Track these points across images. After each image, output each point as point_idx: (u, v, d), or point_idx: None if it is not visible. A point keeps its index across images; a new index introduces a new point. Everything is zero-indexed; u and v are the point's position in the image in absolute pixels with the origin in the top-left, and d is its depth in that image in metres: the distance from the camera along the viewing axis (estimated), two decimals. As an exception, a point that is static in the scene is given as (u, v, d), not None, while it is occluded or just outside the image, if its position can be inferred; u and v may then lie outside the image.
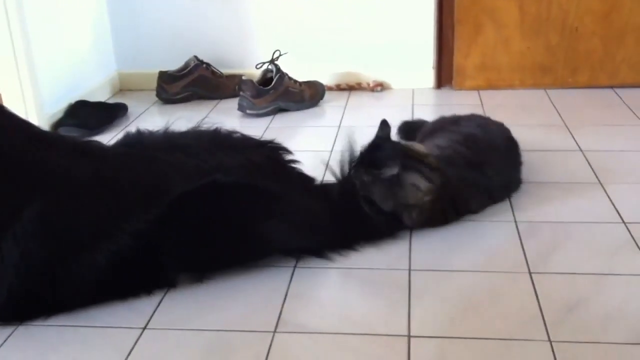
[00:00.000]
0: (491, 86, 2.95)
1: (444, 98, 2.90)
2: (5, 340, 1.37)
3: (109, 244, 1.46)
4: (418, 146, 1.82)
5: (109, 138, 2.39)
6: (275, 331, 1.37)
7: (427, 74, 3.00)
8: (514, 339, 1.32)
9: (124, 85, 3.12)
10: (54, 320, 1.43)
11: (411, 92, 2.94)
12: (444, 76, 3.01)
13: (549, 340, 1.31)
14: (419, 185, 1.68)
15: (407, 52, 2.99)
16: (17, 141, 1.49)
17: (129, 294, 1.50)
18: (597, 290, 1.47)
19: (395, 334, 1.35)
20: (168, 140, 1.79)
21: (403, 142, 1.93)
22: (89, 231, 1.46)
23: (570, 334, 1.32)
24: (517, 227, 1.75)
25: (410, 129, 2.28)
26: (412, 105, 2.80)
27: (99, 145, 1.69)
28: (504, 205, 1.86)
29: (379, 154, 1.73)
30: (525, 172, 2.00)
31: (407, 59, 3.00)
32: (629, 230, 1.71)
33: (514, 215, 1.81)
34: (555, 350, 1.28)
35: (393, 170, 1.67)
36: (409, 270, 1.58)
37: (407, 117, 2.51)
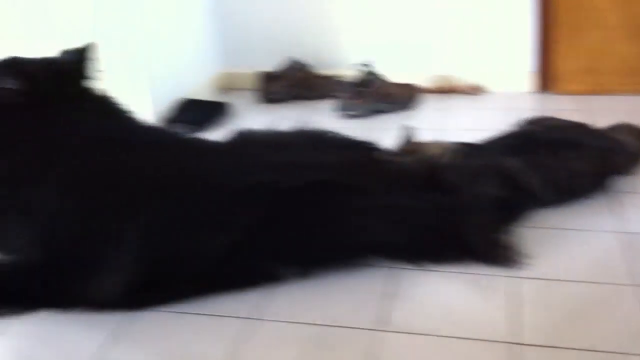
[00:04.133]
0: (594, 91, 2.88)
1: (544, 102, 2.86)
2: (124, 324, 1.48)
3: (222, 237, 1.54)
4: None
5: (213, 135, 2.50)
6: (375, 329, 1.42)
7: (526, 78, 2.96)
8: (623, 353, 1.31)
9: (228, 85, 3.24)
10: (168, 308, 1.53)
11: (509, 96, 2.91)
12: (544, 80, 2.96)
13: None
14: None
15: (505, 54, 2.96)
16: (135, 143, 1.60)
17: (238, 285, 1.59)
18: None
19: (499, 339, 1.37)
20: (272, 139, 1.87)
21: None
22: (202, 225, 1.55)
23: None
24: (619, 237, 1.72)
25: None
26: (510, 109, 2.78)
27: (208, 143, 1.79)
28: (607, 215, 1.83)
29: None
30: (630, 183, 1.97)
31: (505, 62, 2.98)
32: None
33: (617, 226, 1.78)
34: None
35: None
36: (509, 277, 1.59)
37: (504, 121, 2.49)
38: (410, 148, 2.04)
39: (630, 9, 2.78)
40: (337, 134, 2.02)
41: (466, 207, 1.74)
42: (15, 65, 1.46)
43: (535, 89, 2.97)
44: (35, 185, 1.48)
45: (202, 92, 3.02)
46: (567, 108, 2.72)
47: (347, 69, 2.94)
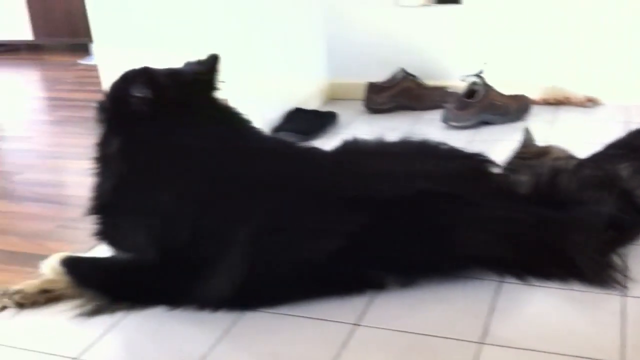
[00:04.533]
0: None
1: (663, 117, 2.73)
2: (233, 323, 1.54)
3: (326, 243, 1.58)
4: None
5: (320, 143, 2.55)
6: (480, 342, 1.41)
7: (644, 90, 2.84)
8: None
9: (334, 95, 3.30)
10: (275, 309, 1.58)
11: (625, 109, 2.79)
12: (664, 92, 2.83)
13: None
14: None
15: (623, 65, 2.85)
16: (252, 149, 1.66)
17: (342, 290, 1.61)
18: None
19: (600, 358, 1.33)
20: (380, 148, 1.89)
21: None
22: (311, 231, 1.59)
23: None
24: None
25: None
26: (628, 122, 2.67)
27: (319, 151, 1.84)
28: None
29: None
30: None
31: (622, 73, 2.86)
32: None
33: None
34: None
35: None
36: (626, 296, 1.53)
37: (618, 134, 2.40)
38: (534, 150, 2.00)
39: None
40: (444, 144, 2.01)
41: (577, 223, 1.69)
42: (146, 75, 1.55)
43: (654, 102, 2.84)
44: (158, 188, 1.58)
45: (310, 101, 3.09)
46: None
47: (455, 80, 2.92)
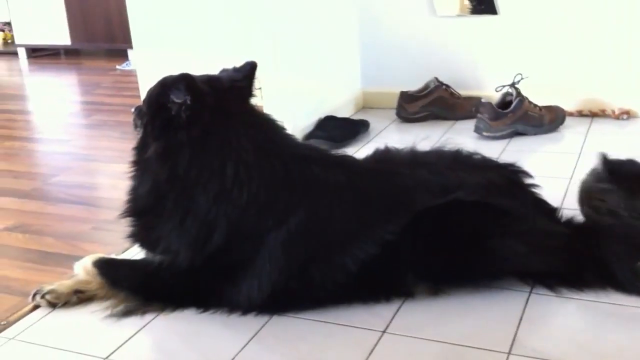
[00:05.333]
0: None
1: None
2: (261, 327, 1.56)
3: (357, 250, 1.58)
4: None
5: (352, 151, 2.56)
6: (510, 352, 1.40)
7: (682, 103, 2.80)
8: None
9: (366, 103, 3.31)
10: (304, 315, 1.59)
11: (662, 121, 2.76)
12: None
13: None
14: None
15: (660, 78, 2.81)
16: (286, 155, 1.68)
17: (371, 298, 1.62)
18: None
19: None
20: (413, 158, 1.89)
21: None
22: (342, 238, 1.60)
23: None
24: None
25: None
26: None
27: (352, 159, 1.85)
28: None
29: None
30: None
31: (659, 86, 2.82)
32: None
33: None
34: None
35: None
36: (654, 309, 1.51)
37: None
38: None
39: None
40: (477, 154, 2.00)
41: (615, 232, 1.67)
42: (185, 81, 1.58)
43: (692, 115, 2.79)
44: (195, 193, 1.60)
45: (343, 110, 3.10)
46: None
47: (489, 90, 2.91)
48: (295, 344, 1.49)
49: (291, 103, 2.73)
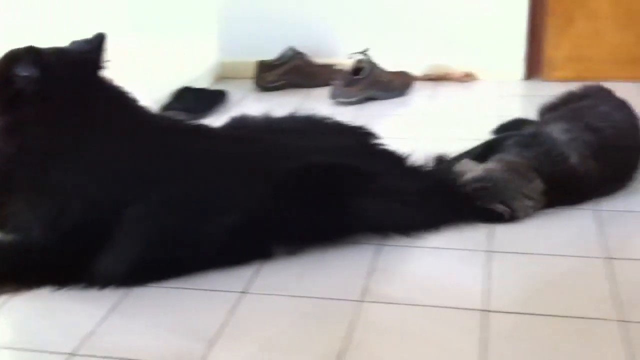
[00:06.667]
0: (581, 78, 2.91)
1: (533, 89, 2.93)
2: (122, 299, 1.55)
3: (222, 217, 1.62)
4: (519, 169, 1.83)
5: (211, 122, 2.56)
6: (361, 300, 1.50)
7: (517, 65, 3.03)
8: (586, 317, 1.40)
9: (225, 73, 3.31)
10: (165, 284, 1.60)
11: (500, 83, 2.98)
12: (533, 67, 3.04)
13: (621, 320, 1.37)
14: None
15: (497, 43, 3.03)
16: (142, 127, 1.67)
17: (234, 263, 1.66)
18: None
19: (474, 307, 1.45)
20: (269, 124, 1.94)
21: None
22: (204, 206, 1.62)
23: (643, 316, 1.39)
24: (598, 215, 1.80)
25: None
26: (501, 96, 2.85)
27: (209, 128, 1.87)
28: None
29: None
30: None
31: (496, 50, 3.04)
32: None
33: (596, 203, 1.86)
34: (626, 329, 1.34)
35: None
36: (489, 251, 1.67)
37: (494, 107, 2.57)
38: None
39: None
40: (329, 118, 2.09)
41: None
42: (32, 54, 1.52)
43: (526, 76, 3.03)
44: (49, 167, 1.56)
45: (200, 80, 3.09)
46: (554, 94, 2.76)
47: (343, 58, 3.01)
48: (156, 312, 1.51)
49: (146, 74, 2.68)
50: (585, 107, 2.01)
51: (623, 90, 2.77)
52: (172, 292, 1.58)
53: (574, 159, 1.81)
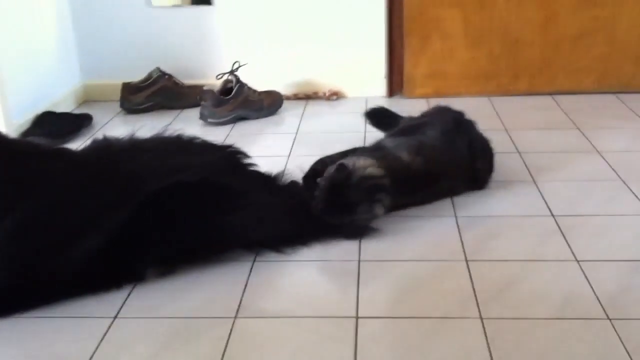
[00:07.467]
0: (439, 94, 3.13)
1: (395, 105, 3.05)
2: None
3: (84, 242, 1.57)
4: (369, 165, 1.92)
5: (75, 146, 2.48)
6: (236, 316, 1.51)
7: (380, 83, 3.17)
8: (449, 317, 1.49)
9: (88, 96, 3.22)
10: (31, 314, 1.54)
11: (364, 100, 3.09)
12: (395, 85, 3.19)
13: (480, 317, 1.47)
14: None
15: (361, 62, 3.15)
16: (6, 150, 1.60)
17: (102, 287, 1.62)
18: (525, 274, 1.64)
19: (345, 315, 1.50)
20: (134, 145, 1.91)
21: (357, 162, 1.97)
22: (66, 231, 1.57)
23: (499, 311, 1.49)
24: (457, 221, 1.92)
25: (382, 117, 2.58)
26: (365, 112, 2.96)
27: (70, 151, 1.81)
28: (447, 203, 2.03)
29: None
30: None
31: (360, 70, 3.17)
32: (556, 222, 1.89)
33: (455, 211, 1.98)
34: (485, 325, 1.44)
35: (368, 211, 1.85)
36: (359, 261, 1.73)
37: (361, 123, 2.67)
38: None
39: (469, 19, 3.05)
40: (197, 138, 2.08)
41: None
42: None
43: (388, 94, 3.18)
44: None
45: (63, 104, 2.99)
46: (414, 110, 2.91)
47: (212, 79, 3.02)
48: (23, 344, 1.45)
49: (3, 100, 2.56)
50: (418, 123, 2.28)
51: (475, 103, 2.99)
52: (41, 322, 1.52)
53: (405, 156, 1.99)
